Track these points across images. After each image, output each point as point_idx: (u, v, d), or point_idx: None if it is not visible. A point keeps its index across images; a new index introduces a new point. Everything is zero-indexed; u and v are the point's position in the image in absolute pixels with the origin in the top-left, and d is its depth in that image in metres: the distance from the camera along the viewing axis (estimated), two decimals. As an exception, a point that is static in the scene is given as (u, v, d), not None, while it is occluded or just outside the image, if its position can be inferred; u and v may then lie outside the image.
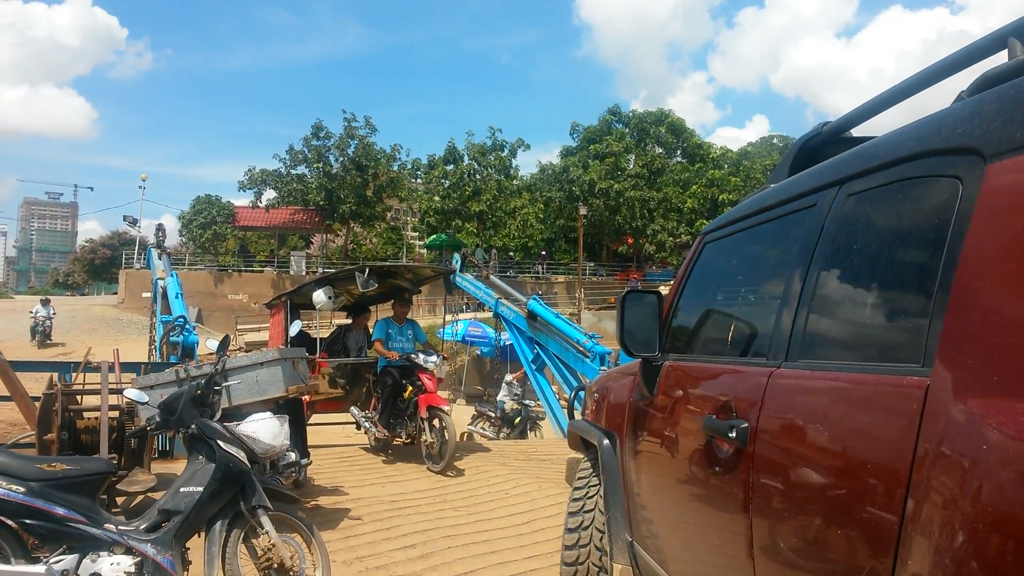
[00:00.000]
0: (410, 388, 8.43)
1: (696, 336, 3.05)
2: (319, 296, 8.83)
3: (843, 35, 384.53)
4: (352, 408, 9.29)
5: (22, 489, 3.41)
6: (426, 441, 8.17)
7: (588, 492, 3.73)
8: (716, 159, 45.09)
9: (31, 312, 27.84)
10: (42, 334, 26.92)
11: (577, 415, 4.75)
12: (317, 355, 9.00)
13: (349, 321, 10.30)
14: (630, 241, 43.39)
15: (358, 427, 9.46)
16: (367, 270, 9.02)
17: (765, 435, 2.01)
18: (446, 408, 8.18)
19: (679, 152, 46.60)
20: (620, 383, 3.65)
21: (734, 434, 2.08)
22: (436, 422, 8.16)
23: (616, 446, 3.40)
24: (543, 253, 42.63)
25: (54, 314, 27.85)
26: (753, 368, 2.24)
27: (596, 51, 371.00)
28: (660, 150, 45.98)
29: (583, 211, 37.74)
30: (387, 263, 13.03)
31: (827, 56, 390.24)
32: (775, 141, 54.34)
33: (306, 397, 8.77)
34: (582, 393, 5.11)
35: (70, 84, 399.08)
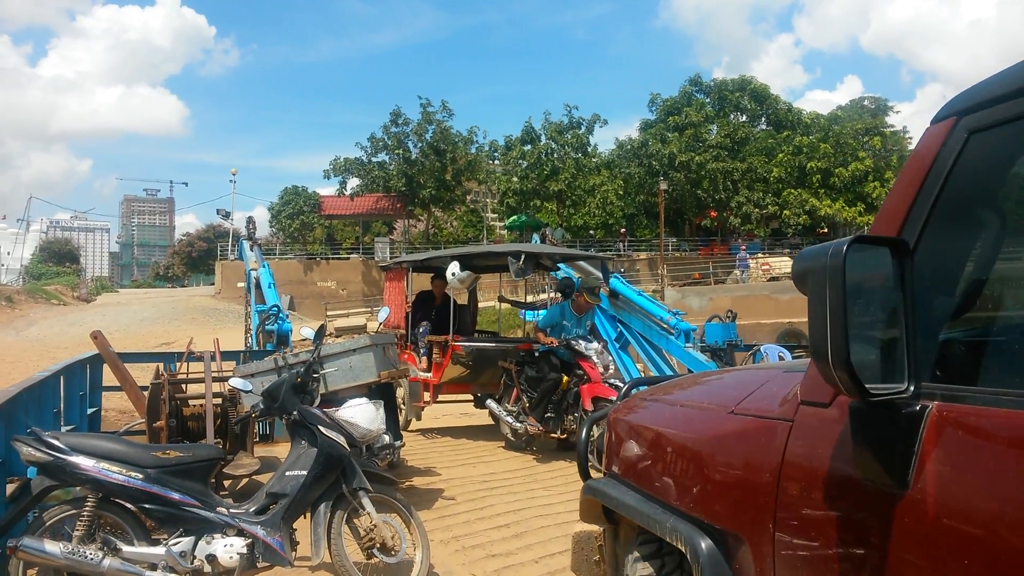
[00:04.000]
0: (565, 378, 7.81)
1: None
2: (453, 276, 8.55)
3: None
4: (489, 402, 8.68)
5: (140, 476, 3.61)
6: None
7: None
8: (807, 125, 43.44)
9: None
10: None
11: (593, 471, 2.83)
12: (451, 335, 8.66)
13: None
14: (713, 215, 42.45)
15: (490, 412, 8.91)
16: (522, 256, 8.19)
17: None
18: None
19: (763, 119, 45.19)
20: (726, 427, 2.01)
21: None
22: None
23: (735, 561, 1.85)
24: (623, 230, 42.16)
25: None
26: None
27: (674, 19, 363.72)
28: (743, 118, 44.71)
29: (664, 186, 37.18)
30: (543, 247, 12.24)
31: (920, 10, 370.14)
32: (866, 103, 51.89)
33: (431, 379, 8.84)
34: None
35: (163, 83, 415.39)
